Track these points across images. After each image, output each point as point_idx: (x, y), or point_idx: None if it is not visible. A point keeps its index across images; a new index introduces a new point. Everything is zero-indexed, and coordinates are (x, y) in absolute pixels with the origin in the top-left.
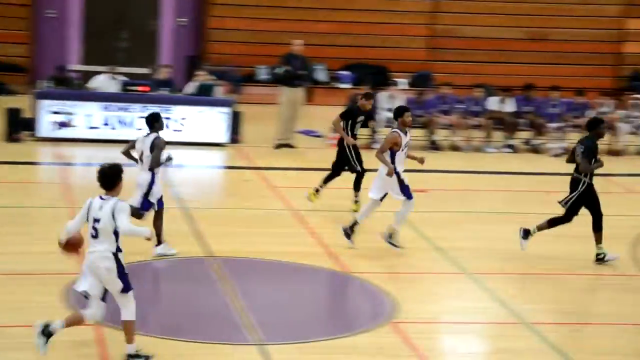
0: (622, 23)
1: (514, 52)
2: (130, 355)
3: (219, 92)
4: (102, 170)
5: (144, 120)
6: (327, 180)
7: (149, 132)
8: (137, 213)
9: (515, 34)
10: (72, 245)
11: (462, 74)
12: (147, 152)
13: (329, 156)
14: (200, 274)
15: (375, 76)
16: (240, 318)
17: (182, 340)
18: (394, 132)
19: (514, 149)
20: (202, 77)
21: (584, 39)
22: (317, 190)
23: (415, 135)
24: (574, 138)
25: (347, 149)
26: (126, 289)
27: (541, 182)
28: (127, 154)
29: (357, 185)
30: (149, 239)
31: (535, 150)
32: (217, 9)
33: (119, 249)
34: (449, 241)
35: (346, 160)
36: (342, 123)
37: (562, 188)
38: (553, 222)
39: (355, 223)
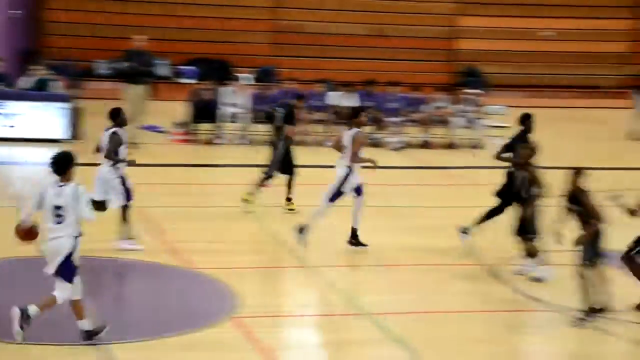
0: (455, 20)
1: (354, 47)
2: (26, 312)
3: (58, 87)
4: (54, 156)
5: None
6: (288, 186)
7: (111, 126)
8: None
9: (356, 30)
10: (27, 233)
11: (305, 69)
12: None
13: (173, 152)
14: (37, 274)
15: (219, 71)
16: None
17: (24, 343)
18: (359, 132)
19: None
20: (39, 71)
21: (420, 35)
22: (288, 199)
23: (259, 130)
24: (411, 132)
25: (286, 151)
26: (65, 277)
27: (381, 175)
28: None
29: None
30: None
31: (376, 144)
32: (53, 1)
33: (80, 233)
34: (292, 235)
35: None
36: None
37: (402, 181)
38: (489, 214)
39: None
